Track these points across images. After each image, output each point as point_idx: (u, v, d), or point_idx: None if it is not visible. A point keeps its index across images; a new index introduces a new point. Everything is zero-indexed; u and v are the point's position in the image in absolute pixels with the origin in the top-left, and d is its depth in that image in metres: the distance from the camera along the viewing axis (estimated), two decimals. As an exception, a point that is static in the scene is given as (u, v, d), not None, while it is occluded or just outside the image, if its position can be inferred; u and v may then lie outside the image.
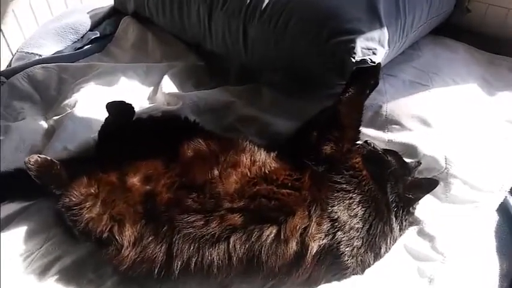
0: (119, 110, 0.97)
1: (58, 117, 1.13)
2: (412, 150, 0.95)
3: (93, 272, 0.83)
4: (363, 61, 0.89)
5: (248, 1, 1.09)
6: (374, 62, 0.88)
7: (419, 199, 0.85)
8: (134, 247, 0.74)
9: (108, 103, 0.96)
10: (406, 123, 1.01)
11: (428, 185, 0.85)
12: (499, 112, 1.03)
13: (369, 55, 0.89)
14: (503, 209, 0.90)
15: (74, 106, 1.14)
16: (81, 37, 1.46)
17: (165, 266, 0.75)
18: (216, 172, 0.79)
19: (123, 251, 0.74)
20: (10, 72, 1.30)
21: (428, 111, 1.01)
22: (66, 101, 1.17)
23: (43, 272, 0.83)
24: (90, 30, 1.47)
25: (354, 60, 0.89)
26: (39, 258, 0.85)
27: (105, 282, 0.81)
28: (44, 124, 1.16)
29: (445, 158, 0.92)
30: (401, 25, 0.99)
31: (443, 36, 1.25)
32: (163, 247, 0.74)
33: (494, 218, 0.90)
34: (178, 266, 0.74)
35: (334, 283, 0.78)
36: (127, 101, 0.98)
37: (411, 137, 0.97)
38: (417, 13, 1.03)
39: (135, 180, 0.80)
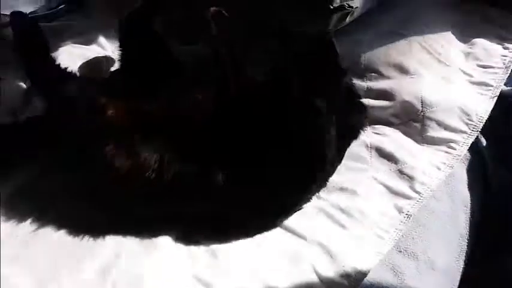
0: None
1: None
2: (390, 95, 0.99)
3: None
4: (341, 7, 0.90)
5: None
6: (352, 7, 0.90)
7: None
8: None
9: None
10: (384, 71, 1.04)
11: None
12: (471, 57, 1.07)
13: (347, 1, 0.91)
14: (474, 148, 0.96)
15: (52, 66, 1.13)
16: (54, -4, 1.41)
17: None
18: None
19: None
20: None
21: (404, 58, 1.04)
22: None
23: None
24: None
25: (332, 7, 0.91)
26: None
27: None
28: (23, 85, 1.14)
29: (421, 101, 0.96)
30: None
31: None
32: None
33: (466, 157, 0.96)
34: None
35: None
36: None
37: (389, 83, 1.01)
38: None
39: None
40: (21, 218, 0.80)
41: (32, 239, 0.78)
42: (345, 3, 0.90)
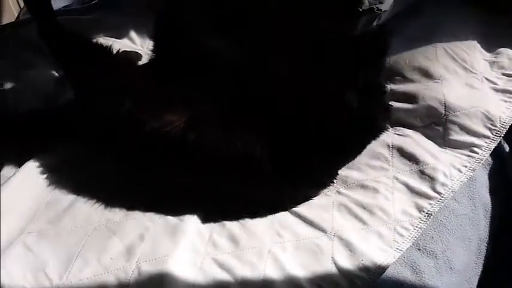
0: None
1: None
2: (413, 98, 1.01)
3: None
4: (370, 10, 0.93)
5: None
6: (380, 10, 0.92)
7: None
8: None
9: None
10: (409, 75, 1.06)
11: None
12: (496, 66, 1.08)
13: (375, 4, 0.93)
14: (497, 154, 0.96)
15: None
16: (90, -9, 1.47)
17: None
18: None
19: None
20: (19, 25, 1.32)
21: (430, 64, 1.06)
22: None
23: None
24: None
25: (361, 10, 0.94)
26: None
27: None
28: (55, 74, 1.19)
29: (444, 105, 0.97)
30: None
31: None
32: None
33: (488, 162, 0.96)
34: None
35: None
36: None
37: (413, 87, 1.03)
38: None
39: None
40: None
41: (64, 214, 0.81)
42: (374, 6, 0.93)
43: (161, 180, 0.84)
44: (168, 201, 0.84)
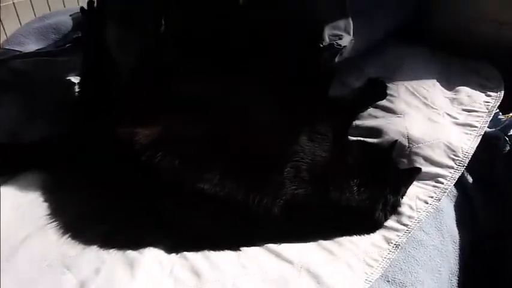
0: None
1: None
2: (377, 132, 1.03)
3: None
4: (330, 45, 0.97)
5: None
6: (340, 46, 0.97)
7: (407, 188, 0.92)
8: None
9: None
10: (372, 111, 1.09)
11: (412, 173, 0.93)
12: (456, 102, 1.12)
13: (336, 40, 0.98)
14: (461, 185, 0.98)
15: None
16: (63, 36, 1.49)
17: None
18: None
19: None
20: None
21: (391, 100, 1.09)
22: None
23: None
24: (72, 30, 1.51)
25: (321, 45, 0.97)
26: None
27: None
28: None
29: (407, 138, 0.99)
30: (364, 17, 1.08)
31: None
32: None
33: (454, 194, 0.97)
34: None
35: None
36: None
37: (377, 122, 1.05)
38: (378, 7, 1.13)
39: None
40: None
41: (22, 245, 0.77)
42: (334, 42, 0.97)
43: (125, 204, 0.82)
44: (131, 230, 0.81)
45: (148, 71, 1.06)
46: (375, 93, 1.10)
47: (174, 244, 0.82)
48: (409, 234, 0.86)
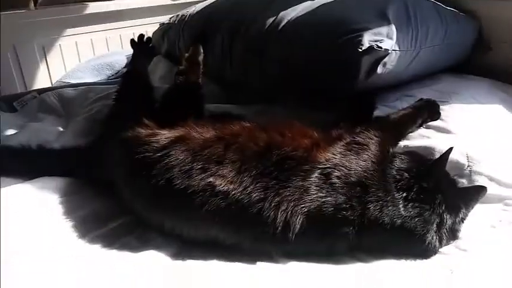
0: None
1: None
2: (429, 151, 0.88)
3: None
4: (370, 48, 0.87)
5: (267, 26, 1.16)
6: (380, 48, 0.87)
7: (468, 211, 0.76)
8: None
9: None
10: (424, 133, 0.95)
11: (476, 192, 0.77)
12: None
13: (376, 43, 0.88)
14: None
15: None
16: (115, 72, 1.57)
17: None
18: None
19: None
20: (44, 91, 1.39)
21: (446, 121, 0.95)
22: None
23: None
24: (124, 67, 1.58)
25: (360, 50, 0.89)
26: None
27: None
28: (60, 129, 1.19)
29: (467, 156, 0.84)
30: (412, 33, 0.99)
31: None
32: None
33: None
34: None
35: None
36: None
37: (428, 141, 0.91)
38: (431, 28, 1.04)
39: None
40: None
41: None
42: (374, 44, 0.87)
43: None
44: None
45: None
46: (424, 113, 0.96)
47: (179, 250, 0.71)
48: (466, 259, 0.68)
